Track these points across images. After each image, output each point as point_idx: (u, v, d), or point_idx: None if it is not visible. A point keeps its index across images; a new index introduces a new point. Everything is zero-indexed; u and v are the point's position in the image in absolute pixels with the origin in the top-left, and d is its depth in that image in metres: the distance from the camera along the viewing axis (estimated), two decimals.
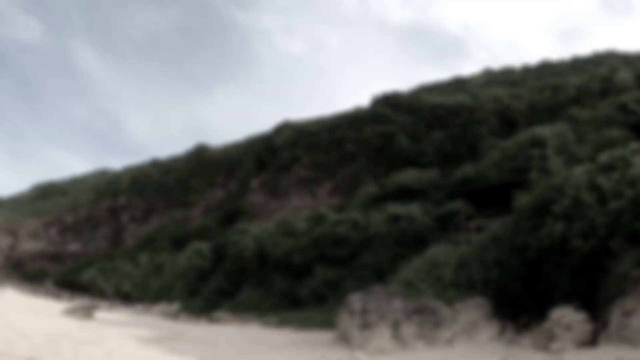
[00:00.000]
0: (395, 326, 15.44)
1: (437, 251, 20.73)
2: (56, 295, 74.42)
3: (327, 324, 24.55)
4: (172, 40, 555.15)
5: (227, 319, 32.26)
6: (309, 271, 33.79)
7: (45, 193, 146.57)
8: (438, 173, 48.22)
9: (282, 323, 28.01)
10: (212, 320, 33.54)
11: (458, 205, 31.58)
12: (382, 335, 15.31)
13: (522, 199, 19.09)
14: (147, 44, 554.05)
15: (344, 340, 17.91)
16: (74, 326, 25.24)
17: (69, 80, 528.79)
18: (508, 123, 72.22)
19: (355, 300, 16.70)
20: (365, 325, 15.53)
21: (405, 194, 42.71)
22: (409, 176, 44.29)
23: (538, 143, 26.93)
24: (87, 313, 33.75)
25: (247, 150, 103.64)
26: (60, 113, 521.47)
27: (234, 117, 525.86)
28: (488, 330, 15.96)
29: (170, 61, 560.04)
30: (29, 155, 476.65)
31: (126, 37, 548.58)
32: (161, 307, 42.82)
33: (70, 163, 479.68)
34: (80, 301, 58.54)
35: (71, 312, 33.53)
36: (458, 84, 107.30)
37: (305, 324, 26.03)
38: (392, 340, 15.27)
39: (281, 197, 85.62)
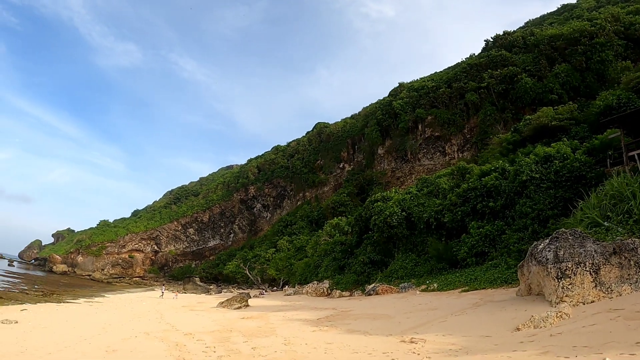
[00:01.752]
0: (595, 271, 13.95)
1: (617, 184, 18.57)
2: (205, 289, 79.03)
3: (497, 280, 23.24)
4: (265, 31, 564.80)
5: (384, 289, 31.69)
6: (462, 229, 32.47)
7: (178, 197, 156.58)
8: (574, 107, 44.76)
9: (445, 286, 26.87)
10: (367, 292, 33.22)
11: (614, 135, 28.67)
12: (583, 284, 13.87)
13: None
14: (241, 40, 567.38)
15: (533, 294, 16.60)
16: (236, 317, 25.68)
17: (177, 91, 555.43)
18: (634, 41, 65.68)
19: (544, 248, 15.29)
20: (562, 275, 14.12)
21: (544, 134, 39.97)
22: (545, 115, 41.19)
23: None
24: (242, 302, 34.85)
25: (366, 120, 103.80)
26: (174, 123, 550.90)
27: (340, 91, 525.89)
28: None
29: (267, 52, 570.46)
30: (153, 167, 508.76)
31: (220, 39, 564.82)
32: (311, 286, 43.48)
33: (193, 166, 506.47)
34: (230, 292, 61.47)
35: (227, 304, 34.75)
36: (567, 12, 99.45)
37: (472, 284, 24.65)
38: (595, 288, 13.82)
39: (410, 160, 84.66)
